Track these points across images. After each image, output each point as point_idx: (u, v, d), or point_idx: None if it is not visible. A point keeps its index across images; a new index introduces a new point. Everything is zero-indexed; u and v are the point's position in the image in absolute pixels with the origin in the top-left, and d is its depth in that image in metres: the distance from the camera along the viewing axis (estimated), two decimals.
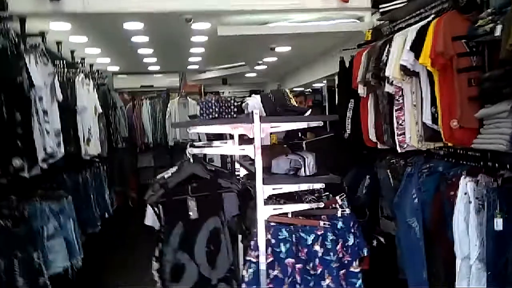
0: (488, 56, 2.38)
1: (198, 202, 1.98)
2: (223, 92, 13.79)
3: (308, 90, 11.15)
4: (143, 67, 8.07)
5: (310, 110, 2.16)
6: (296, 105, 2.09)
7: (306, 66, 7.51)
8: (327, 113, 6.81)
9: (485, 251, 2.18)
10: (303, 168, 2.00)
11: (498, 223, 2.06)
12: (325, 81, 7.71)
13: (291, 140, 4.69)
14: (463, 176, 2.37)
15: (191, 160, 2.06)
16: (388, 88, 3.00)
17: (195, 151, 2.04)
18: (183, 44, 5.75)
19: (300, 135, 4.69)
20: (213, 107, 1.92)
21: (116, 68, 8.18)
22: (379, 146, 3.45)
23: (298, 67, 7.90)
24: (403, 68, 2.74)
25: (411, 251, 3.00)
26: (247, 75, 9.39)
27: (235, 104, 1.96)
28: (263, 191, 1.89)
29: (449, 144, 2.56)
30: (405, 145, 2.92)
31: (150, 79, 9.06)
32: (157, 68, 8.39)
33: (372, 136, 3.45)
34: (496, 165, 2.30)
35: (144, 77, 9.04)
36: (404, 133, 2.91)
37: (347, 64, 4.05)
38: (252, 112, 1.89)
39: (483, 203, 2.21)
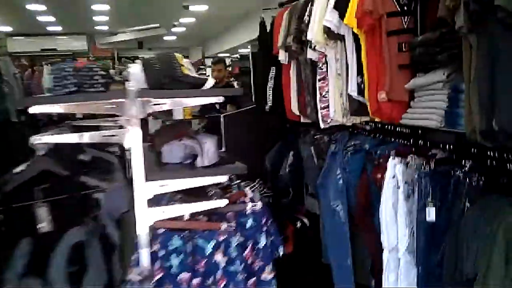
0: (421, 17, 2.08)
1: (52, 210, 1.49)
2: (142, 57, 12.86)
3: (235, 56, 10.64)
4: (40, 27, 7.07)
5: (214, 81, 1.72)
6: (191, 74, 1.64)
7: (228, 30, 7.03)
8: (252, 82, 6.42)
9: (416, 243, 1.94)
10: (199, 157, 1.58)
11: (431, 213, 1.80)
12: (249, 46, 7.28)
13: (207, 113, 4.26)
14: (391, 157, 2.10)
15: (40, 152, 1.55)
16: (310, 54, 2.65)
17: (44, 139, 1.52)
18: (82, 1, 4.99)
19: (218, 107, 4.27)
20: (69, 78, 1.41)
21: (8, 29, 7.09)
22: (302, 119, 3.13)
23: (220, 30, 7.39)
24: (327, 30, 2.37)
25: (335, 236, 2.76)
26: (166, 38, 8.66)
27: (102, 72, 1.46)
28: (143, 190, 1.45)
29: (377, 119, 2.27)
30: (329, 120, 2.61)
31: (53, 41, 8.05)
32: (58, 29, 7.42)
33: (295, 108, 3.12)
34: (428, 143, 2.05)
35: (45, 39, 8.00)
36: (327, 106, 2.59)
37: (268, 27, 3.63)
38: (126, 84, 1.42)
39: (414, 189, 1.96)
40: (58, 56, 8.27)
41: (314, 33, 2.48)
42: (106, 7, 5.49)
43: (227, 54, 9.41)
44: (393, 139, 2.35)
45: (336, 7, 2.28)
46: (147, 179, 1.47)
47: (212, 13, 5.52)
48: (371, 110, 2.17)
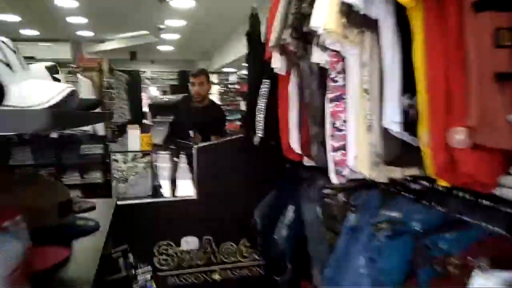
0: None
1: None
2: (144, 72, 12.07)
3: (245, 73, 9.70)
4: (14, 32, 6.25)
5: (69, 88, 0.72)
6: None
7: (231, 37, 6.03)
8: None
9: None
10: None
11: None
12: None
13: (177, 142, 3.23)
14: (476, 271, 1.02)
15: None
16: (317, 57, 1.61)
17: None
18: None
19: (192, 134, 3.24)
20: None
21: None
22: (305, 161, 2.07)
23: (224, 38, 6.41)
24: (347, 11, 1.34)
25: None
26: (162, 49, 7.74)
27: None
28: None
29: (444, 184, 1.19)
30: (346, 170, 1.54)
31: (31, 48, 7.28)
32: (34, 33, 6.60)
33: (295, 143, 2.07)
34: None
35: (20, 45, 7.26)
36: (344, 147, 1.53)
37: (263, 24, 2.62)
38: None
39: None
40: None
41: (323, 18, 1.44)
42: (75, 3, 4.62)
43: (234, 69, 8.41)
44: (468, 218, 1.26)
45: None
46: None
47: (201, 13, 4.57)
48: (435, 165, 1.10)
